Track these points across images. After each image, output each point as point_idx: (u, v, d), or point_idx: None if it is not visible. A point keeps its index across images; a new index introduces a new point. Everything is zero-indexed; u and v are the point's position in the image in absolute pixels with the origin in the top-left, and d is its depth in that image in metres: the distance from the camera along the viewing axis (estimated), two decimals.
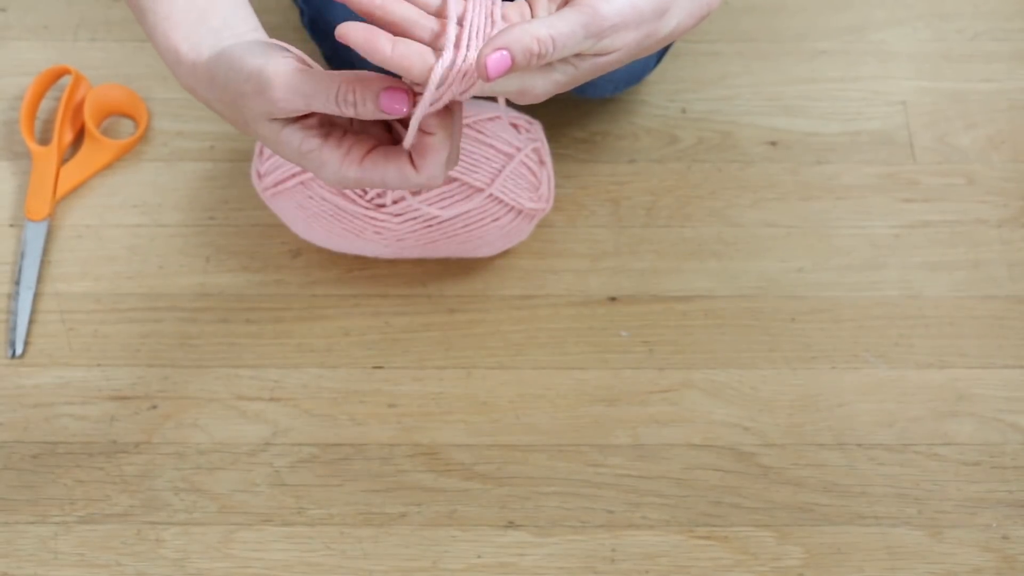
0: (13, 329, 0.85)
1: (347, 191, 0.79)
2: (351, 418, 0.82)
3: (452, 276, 0.88)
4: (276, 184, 0.81)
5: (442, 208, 0.80)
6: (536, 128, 0.84)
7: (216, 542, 0.78)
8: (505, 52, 0.51)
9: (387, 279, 0.88)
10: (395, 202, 0.79)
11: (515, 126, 0.82)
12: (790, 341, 0.85)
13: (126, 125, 0.95)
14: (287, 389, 0.83)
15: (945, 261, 0.89)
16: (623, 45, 0.55)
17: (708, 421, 0.82)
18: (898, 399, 0.83)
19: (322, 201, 0.80)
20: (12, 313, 0.86)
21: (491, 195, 0.80)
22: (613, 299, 0.87)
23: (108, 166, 0.93)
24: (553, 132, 0.94)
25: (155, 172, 0.92)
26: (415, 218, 0.80)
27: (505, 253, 0.88)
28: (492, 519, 0.79)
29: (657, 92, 0.97)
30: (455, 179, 0.80)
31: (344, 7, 0.82)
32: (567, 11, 0.53)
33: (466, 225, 0.81)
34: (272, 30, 0.98)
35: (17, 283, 0.87)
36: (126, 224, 0.90)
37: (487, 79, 0.51)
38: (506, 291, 0.87)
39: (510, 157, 0.81)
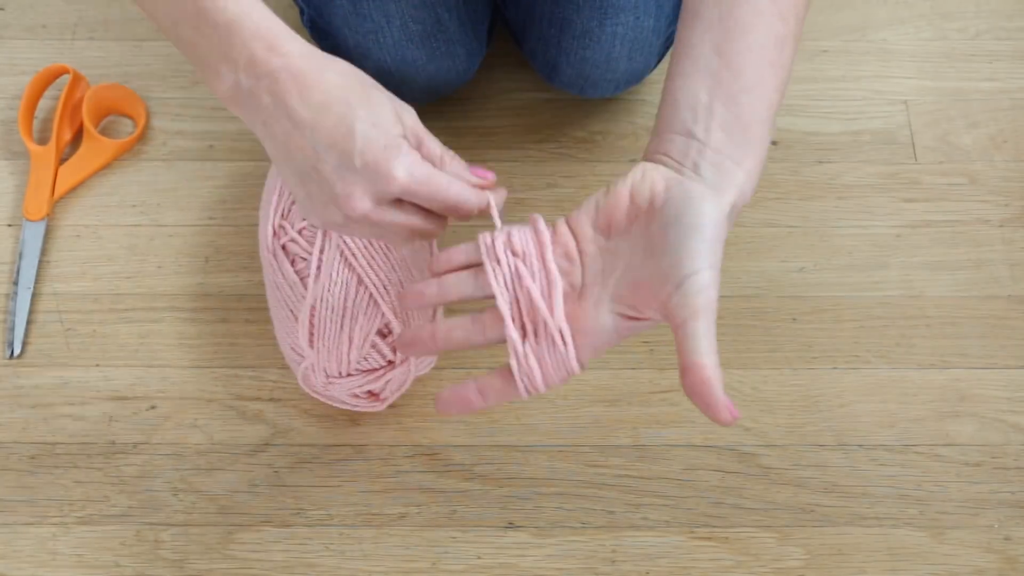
0: (11, 329, 0.85)
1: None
2: (351, 419, 0.82)
3: None
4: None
5: None
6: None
7: (215, 543, 0.78)
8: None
9: None
10: None
11: None
12: (791, 341, 0.85)
13: (125, 124, 0.95)
14: (286, 389, 0.83)
15: (947, 261, 0.89)
16: None
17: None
18: (899, 399, 0.83)
19: None
20: (10, 313, 0.85)
21: None
22: None
23: (106, 166, 0.92)
24: (553, 132, 0.94)
25: (154, 172, 0.92)
26: None
27: None
28: (492, 520, 0.79)
29: (657, 92, 0.96)
30: None
31: (343, 8, 0.82)
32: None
33: None
34: None
35: (15, 283, 0.86)
36: (125, 224, 0.90)
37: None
38: None
39: None
